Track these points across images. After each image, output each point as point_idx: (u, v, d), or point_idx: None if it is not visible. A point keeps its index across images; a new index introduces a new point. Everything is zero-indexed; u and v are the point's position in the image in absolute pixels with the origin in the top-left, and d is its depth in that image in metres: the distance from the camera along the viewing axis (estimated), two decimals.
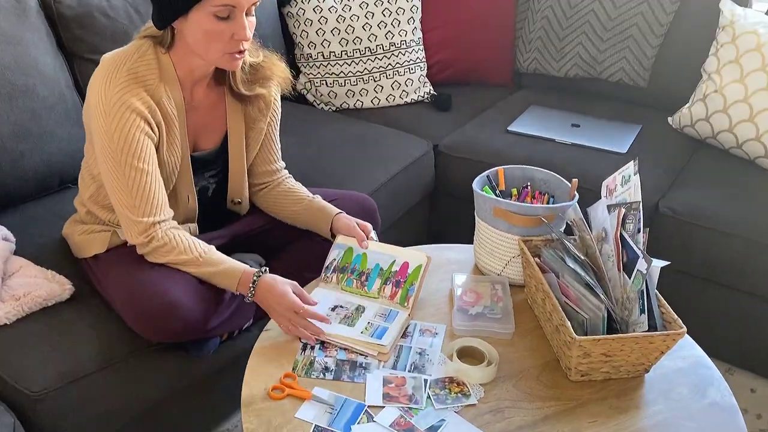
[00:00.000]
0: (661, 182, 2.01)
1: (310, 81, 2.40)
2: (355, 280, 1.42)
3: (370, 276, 1.42)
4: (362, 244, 1.45)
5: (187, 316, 1.32)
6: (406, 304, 1.38)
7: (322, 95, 2.41)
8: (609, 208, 1.31)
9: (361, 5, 2.36)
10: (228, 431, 1.71)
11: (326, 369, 1.25)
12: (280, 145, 1.61)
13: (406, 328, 1.35)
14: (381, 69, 2.39)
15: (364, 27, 2.35)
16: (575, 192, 1.47)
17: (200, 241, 1.39)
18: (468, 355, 1.28)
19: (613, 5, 2.39)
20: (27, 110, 1.65)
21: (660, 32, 2.37)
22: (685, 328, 1.21)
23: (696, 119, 2.14)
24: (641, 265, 1.22)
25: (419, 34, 2.46)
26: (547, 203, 1.52)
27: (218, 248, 1.43)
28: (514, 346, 1.33)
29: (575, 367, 1.22)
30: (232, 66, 1.35)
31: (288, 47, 2.41)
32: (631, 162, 1.32)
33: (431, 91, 2.47)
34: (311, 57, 2.37)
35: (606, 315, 1.23)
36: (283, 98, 1.55)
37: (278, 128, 1.58)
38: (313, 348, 1.29)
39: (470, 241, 1.57)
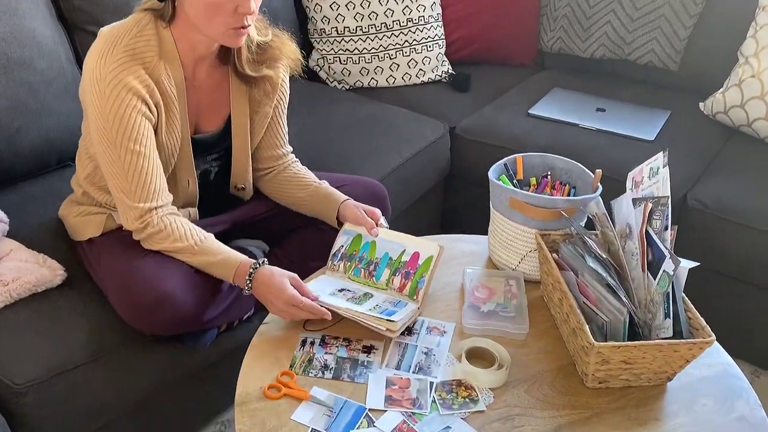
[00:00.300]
0: (690, 173, 1.94)
1: (322, 57, 2.33)
2: (363, 270, 1.37)
3: (378, 266, 1.36)
4: (371, 232, 1.38)
5: (180, 309, 1.28)
6: (415, 297, 1.33)
7: (335, 73, 2.33)
8: (634, 201, 1.23)
9: None
10: (224, 424, 1.65)
11: (326, 367, 1.19)
12: (287, 129, 1.54)
13: (414, 323, 1.29)
14: (397, 46, 2.31)
15: (381, 1, 2.27)
16: (598, 184, 1.38)
17: (198, 228, 1.32)
18: (478, 356, 1.22)
19: None
20: (23, 84, 1.61)
21: (694, 12, 2.28)
22: (713, 337, 1.13)
23: (730, 105, 2.06)
24: (668, 265, 1.14)
25: (438, 9, 2.38)
26: (568, 195, 1.44)
27: (220, 234, 1.38)
28: (528, 348, 1.26)
29: (592, 373, 1.15)
30: (235, 42, 1.27)
31: (300, 22, 2.34)
32: (660, 153, 1.24)
33: (449, 71, 2.40)
34: (324, 32, 2.29)
35: (628, 319, 1.16)
36: (294, 76, 1.48)
37: (285, 112, 1.52)
38: (312, 344, 1.23)
39: (486, 231, 1.50)
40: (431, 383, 1.17)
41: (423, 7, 2.31)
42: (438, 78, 2.38)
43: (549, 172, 1.47)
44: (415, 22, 2.31)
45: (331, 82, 2.36)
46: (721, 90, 2.09)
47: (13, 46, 1.58)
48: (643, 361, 1.14)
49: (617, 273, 1.22)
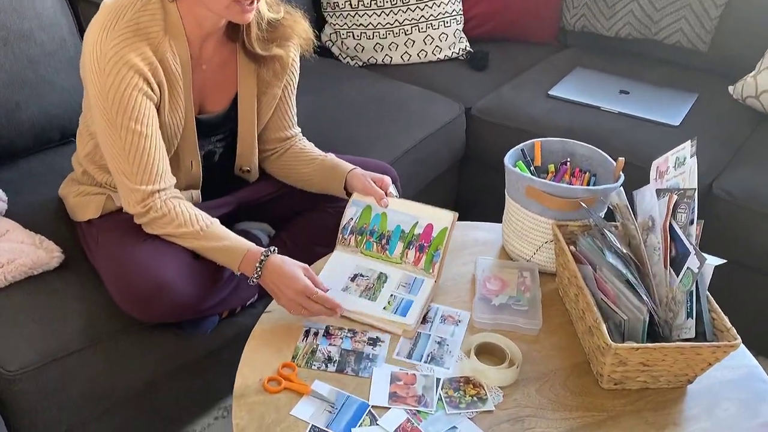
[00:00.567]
0: (717, 160, 1.87)
1: (335, 32, 2.26)
2: (375, 243, 1.33)
3: (391, 239, 1.33)
4: (381, 203, 1.33)
5: (179, 298, 1.24)
6: (431, 271, 1.29)
7: (348, 48, 2.26)
8: (658, 193, 1.17)
9: None
10: (226, 409, 1.62)
11: (329, 359, 1.15)
12: (295, 110, 1.48)
13: (428, 311, 1.26)
14: (413, 21, 2.24)
15: None
16: (620, 173, 1.31)
17: (204, 213, 1.28)
18: (488, 352, 1.17)
19: None
20: (23, 57, 1.57)
21: None
22: (739, 340, 1.07)
23: (761, 90, 1.99)
24: (692, 262, 1.08)
25: None
26: (588, 183, 1.37)
27: (224, 216, 1.34)
28: (540, 344, 1.21)
29: (608, 374, 1.10)
30: (242, 19, 1.21)
31: None
32: (688, 142, 1.17)
33: (467, 48, 2.33)
34: (338, 6, 2.22)
35: (648, 318, 1.10)
36: (305, 55, 1.42)
37: (295, 93, 1.46)
38: (316, 334, 1.19)
39: (500, 218, 1.43)
40: (438, 380, 1.12)
41: None
42: (455, 55, 2.31)
43: (569, 159, 1.41)
44: None
45: (344, 58, 2.29)
46: (753, 73, 2.02)
47: (12, 17, 1.54)
48: (663, 363, 1.08)
49: (637, 268, 1.16)
